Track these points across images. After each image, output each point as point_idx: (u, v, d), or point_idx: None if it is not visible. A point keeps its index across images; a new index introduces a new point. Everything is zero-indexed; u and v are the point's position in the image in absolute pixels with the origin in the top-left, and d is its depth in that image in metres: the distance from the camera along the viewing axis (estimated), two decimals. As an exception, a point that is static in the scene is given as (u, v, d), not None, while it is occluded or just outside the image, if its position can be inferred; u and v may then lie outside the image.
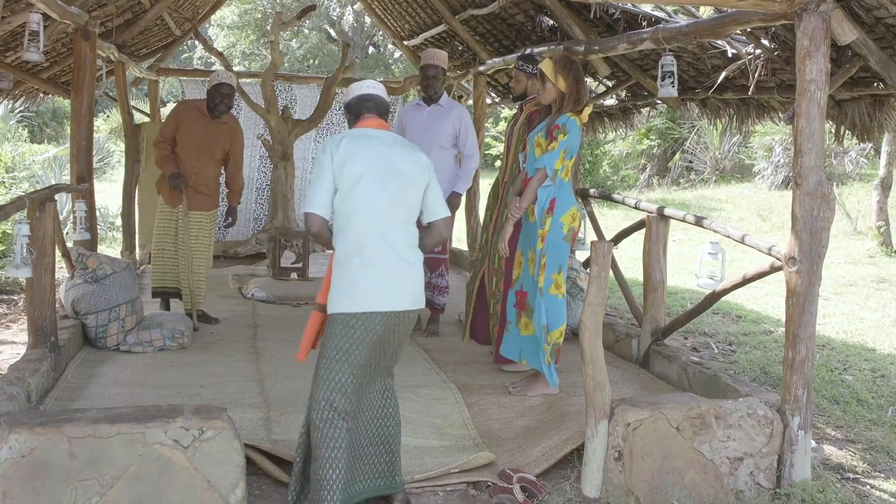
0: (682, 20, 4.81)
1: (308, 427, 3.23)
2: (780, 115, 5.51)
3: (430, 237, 3.38)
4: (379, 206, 3.18)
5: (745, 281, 4.31)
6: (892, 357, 6.13)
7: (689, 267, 9.78)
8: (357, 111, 3.43)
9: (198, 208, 5.84)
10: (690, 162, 18.16)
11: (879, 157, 12.14)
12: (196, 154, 5.77)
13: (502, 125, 20.27)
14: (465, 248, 9.13)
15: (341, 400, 3.15)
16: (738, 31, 4.48)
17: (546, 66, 4.33)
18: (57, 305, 4.80)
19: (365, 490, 3.31)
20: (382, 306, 3.15)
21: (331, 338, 3.17)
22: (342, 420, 3.15)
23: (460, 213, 6.99)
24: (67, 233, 6.65)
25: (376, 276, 3.15)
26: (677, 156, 18.32)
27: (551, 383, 4.43)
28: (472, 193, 8.63)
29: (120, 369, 4.74)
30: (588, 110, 4.40)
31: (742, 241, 4.25)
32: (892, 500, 3.74)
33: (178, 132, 5.75)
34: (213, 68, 19.34)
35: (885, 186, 11.43)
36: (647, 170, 18.75)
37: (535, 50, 6.29)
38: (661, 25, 4.81)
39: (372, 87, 3.47)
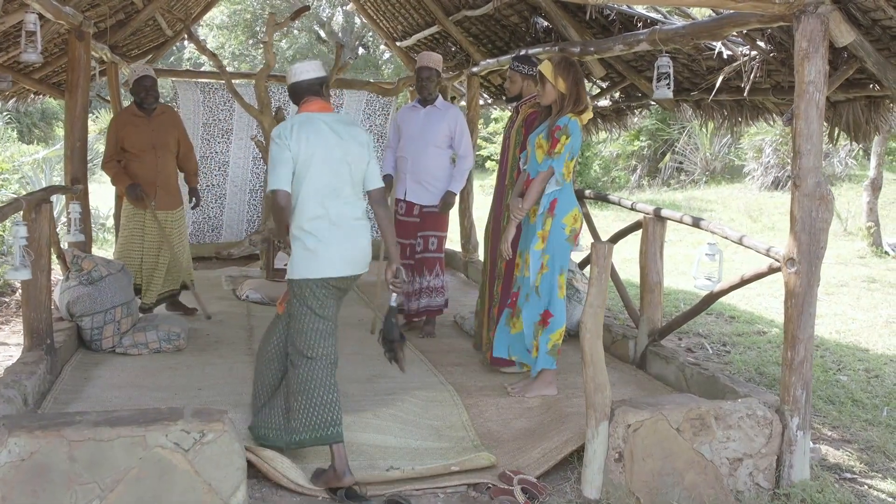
0: (678, 21, 4.83)
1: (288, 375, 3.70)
2: (775, 116, 5.53)
3: (375, 206, 3.76)
4: (328, 185, 3.57)
5: (743, 282, 4.32)
6: (885, 357, 6.16)
7: (681, 268, 9.82)
8: (302, 92, 3.72)
9: (169, 207, 5.94)
10: (681, 163, 18.22)
11: (868, 158, 12.21)
12: (155, 153, 5.85)
13: (493, 126, 20.28)
14: (458, 249, 9.12)
15: (316, 346, 3.62)
16: (735, 33, 4.50)
17: (545, 68, 4.33)
18: (52, 307, 4.77)
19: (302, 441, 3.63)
20: (334, 272, 3.58)
21: (294, 299, 3.64)
22: (322, 360, 3.63)
23: (454, 214, 6.99)
24: (59, 233, 6.62)
25: (328, 247, 3.57)
26: (667, 157, 18.37)
27: (549, 366, 4.44)
28: (465, 194, 8.62)
29: (116, 372, 4.72)
30: (589, 112, 4.40)
31: (740, 243, 4.27)
32: (890, 500, 3.75)
33: (126, 142, 5.80)
34: (203, 69, 19.28)
35: (875, 187, 11.51)
36: (638, 171, 18.80)
37: (530, 51, 6.29)
38: (657, 27, 4.81)
39: (313, 70, 3.74)
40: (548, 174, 4.34)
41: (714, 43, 4.88)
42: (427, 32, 8.67)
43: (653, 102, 6.63)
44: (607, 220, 12.84)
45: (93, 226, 9.23)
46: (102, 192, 12.62)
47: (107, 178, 6.35)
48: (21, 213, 4.24)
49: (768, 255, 3.94)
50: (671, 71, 5.07)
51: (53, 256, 5.16)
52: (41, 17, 4.92)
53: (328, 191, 3.57)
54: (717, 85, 5.08)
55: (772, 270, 3.97)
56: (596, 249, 3.51)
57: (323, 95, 3.73)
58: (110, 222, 10.62)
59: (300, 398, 3.58)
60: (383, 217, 3.77)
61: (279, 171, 3.53)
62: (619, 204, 5.88)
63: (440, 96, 5.88)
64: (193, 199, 6.32)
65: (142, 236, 5.90)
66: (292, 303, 3.66)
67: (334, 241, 3.58)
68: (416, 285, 5.77)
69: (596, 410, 3.48)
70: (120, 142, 5.82)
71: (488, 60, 7.80)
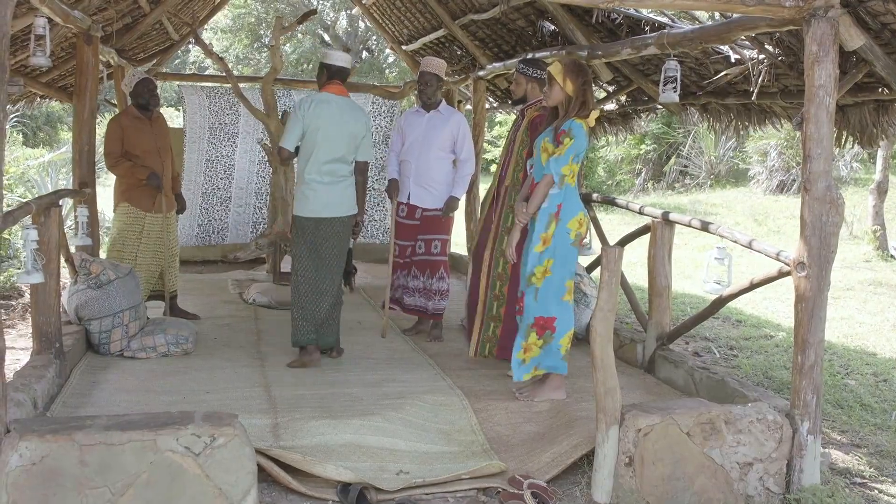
0: (686, 25, 4.82)
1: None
2: (782, 120, 5.52)
3: (356, 173, 5.10)
4: (326, 150, 4.88)
5: (753, 286, 4.31)
6: (893, 361, 6.15)
7: (687, 271, 9.80)
8: (331, 75, 5.00)
9: (170, 209, 6.07)
10: (685, 166, 18.21)
11: (874, 162, 12.19)
12: (160, 156, 5.92)
13: (497, 130, 20.29)
14: (464, 252, 9.11)
15: (306, 271, 4.98)
16: (743, 37, 4.49)
17: (555, 69, 4.32)
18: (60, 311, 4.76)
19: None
20: (316, 214, 4.91)
21: (295, 231, 5.03)
22: (306, 279, 5.01)
23: (459, 218, 6.99)
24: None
25: (317, 195, 4.90)
26: (672, 160, 18.36)
27: (561, 371, 4.45)
28: (472, 198, 8.62)
29: (124, 375, 4.71)
30: (595, 115, 4.39)
31: (749, 247, 4.26)
32: (901, 504, 3.74)
33: (131, 144, 5.81)
34: (208, 72, 19.28)
35: (880, 191, 11.50)
36: (643, 174, 18.79)
37: (537, 55, 6.30)
38: (665, 30, 4.81)
39: (343, 61, 5.05)
40: (551, 178, 4.32)
41: (722, 46, 4.87)
42: (433, 36, 8.67)
43: (659, 106, 6.62)
44: (613, 224, 12.82)
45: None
46: (107, 196, 12.63)
47: (108, 182, 6.36)
48: (31, 216, 4.24)
49: (778, 259, 3.93)
50: (678, 75, 5.06)
51: (62, 260, 5.16)
52: (49, 20, 4.93)
53: (325, 155, 4.87)
54: (723, 88, 5.07)
55: (782, 274, 3.96)
56: (606, 253, 3.50)
57: (343, 82, 5.00)
58: (115, 226, 10.60)
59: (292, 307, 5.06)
60: (360, 183, 5.10)
61: (288, 134, 4.91)
62: (627, 208, 5.87)
63: (443, 101, 5.91)
64: (179, 204, 6.33)
65: (138, 239, 5.93)
66: (294, 235, 5.06)
67: (321, 191, 4.89)
68: (413, 284, 5.84)
69: (606, 415, 3.48)
70: (124, 143, 5.82)
71: (494, 64, 7.80)
